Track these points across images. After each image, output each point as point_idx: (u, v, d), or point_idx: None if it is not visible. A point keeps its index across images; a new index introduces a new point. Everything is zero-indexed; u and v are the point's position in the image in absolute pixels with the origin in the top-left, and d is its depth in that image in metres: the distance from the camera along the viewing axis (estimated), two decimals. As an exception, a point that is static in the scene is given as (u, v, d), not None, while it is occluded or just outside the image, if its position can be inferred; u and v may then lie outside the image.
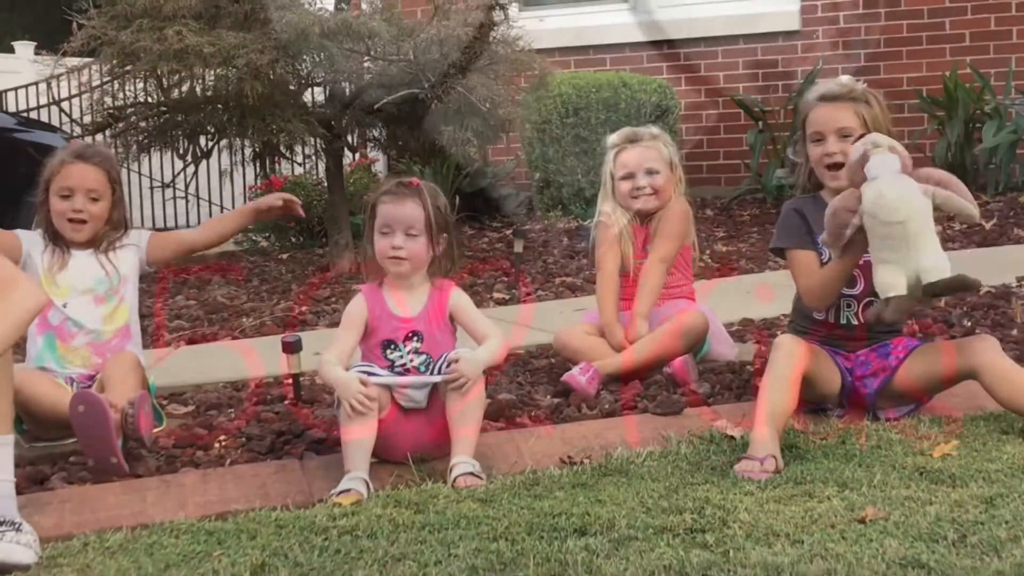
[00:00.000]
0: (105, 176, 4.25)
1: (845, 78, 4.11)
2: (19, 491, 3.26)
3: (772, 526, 2.90)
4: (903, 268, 3.53)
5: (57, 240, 4.26)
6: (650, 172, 4.69)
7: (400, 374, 3.69)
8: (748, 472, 3.33)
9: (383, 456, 3.64)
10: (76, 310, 4.20)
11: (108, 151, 4.43)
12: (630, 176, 4.71)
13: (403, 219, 3.70)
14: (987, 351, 3.75)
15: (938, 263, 3.53)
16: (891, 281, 3.55)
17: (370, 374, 3.59)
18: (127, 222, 4.40)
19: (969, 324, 4.88)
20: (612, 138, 4.85)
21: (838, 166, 3.88)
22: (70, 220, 4.22)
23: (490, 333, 3.72)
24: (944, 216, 3.80)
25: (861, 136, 3.72)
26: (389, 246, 3.70)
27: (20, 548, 3.00)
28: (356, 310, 3.77)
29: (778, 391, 3.61)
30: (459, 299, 3.77)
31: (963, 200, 3.60)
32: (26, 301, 3.14)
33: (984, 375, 3.71)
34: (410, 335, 3.72)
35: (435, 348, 3.70)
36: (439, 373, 3.60)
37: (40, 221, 4.30)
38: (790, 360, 3.69)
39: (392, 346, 3.73)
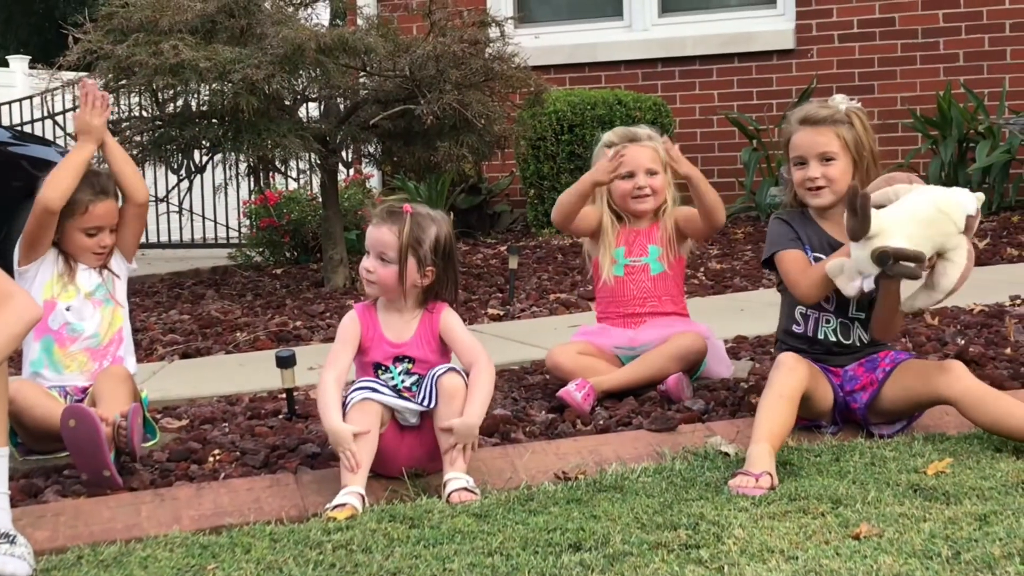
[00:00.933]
0: (116, 202, 4.28)
1: (838, 97, 4.12)
2: (13, 503, 3.25)
3: (767, 542, 2.90)
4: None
5: (65, 257, 4.27)
6: (650, 172, 4.67)
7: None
8: (743, 488, 3.34)
9: (379, 471, 3.64)
10: (77, 314, 4.21)
11: (106, 171, 4.41)
12: (630, 176, 4.67)
13: (377, 243, 3.71)
14: (955, 382, 3.73)
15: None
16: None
17: (373, 390, 3.59)
18: None
19: (963, 342, 4.89)
20: (608, 136, 4.79)
21: (819, 188, 3.93)
22: (96, 253, 4.25)
23: (475, 360, 3.67)
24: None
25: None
26: (363, 266, 3.73)
27: (14, 560, 3.00)
28: (351, 326, 3.76)
29: (778, 409, 3.62)
30: (447, 320, 3.75)
31: (958, 276, 3.64)
32: (22, 314, 3.15)
33: (960, 405, 3.73)
34: (399, 358, 3.73)
35: (427, 370, 3.69)
36: (430, 390, 3.59)
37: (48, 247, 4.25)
38: (791, 378, 3.70)
39: (383, 368, 3.74)
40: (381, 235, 3.70)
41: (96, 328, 4.24)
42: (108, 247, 4.27)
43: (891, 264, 3.53)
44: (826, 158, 3.92)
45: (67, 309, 4.19)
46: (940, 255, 3.63)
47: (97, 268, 4.28)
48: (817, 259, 3.93)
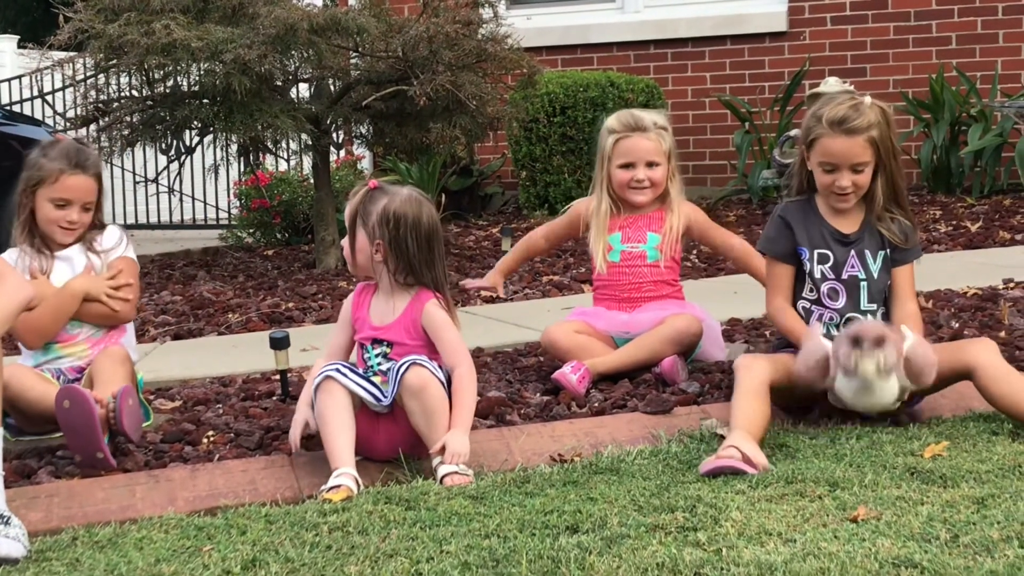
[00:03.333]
0: (96, 183, 4.22)
1: (832, 80, 4.10)
2: (6, 485, 3.24)
3: (764, 525, 2.90)
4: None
5: (37, 243, 4.20)
6: (651, 164, 4.62)
7: (372, 375, 3.69)
8: (724, 461, 3.33)
9: (366, 455, 3.64)
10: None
11: (95, 153, 4.38)
12: (629, 166, 4.62)
13: (345, 218, 3.79)
14: (985, 352, 3.75)
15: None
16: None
17: (339, 371, 3.58)
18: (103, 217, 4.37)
19: (957, 326, 4.89)
20: (611, 123, 4.67)
21: (848, 195, 3.90)
22: (62, 227, 4.18)
23: (456, 364, 3.64)
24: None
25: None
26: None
27: (8, 542, 2.98)
28: (345, 306, 3.86)
29: (747, 403, 3.63)
30: (430, 315, 3.70)
31: (932, 375, 3.68)
32: (14, 295, 3.14)
33: (979, 373, 3.71)
34: (377, 341, 3.72)
35: (405, 354, 3.67)
36: (397, 378, 3.54)
37: (21, 222, 4.20)
38: (749, 375, 3.71)
39: (365, 348, 3.76)
40: (346, 210, 3.77)
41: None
42: (77, 224, 4.17)
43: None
44: (857, 168, 3.87)
45: None
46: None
47: (85, 253, 4.21)
48: (822, 255, 3.93)
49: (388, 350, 3.71)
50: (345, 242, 3.78)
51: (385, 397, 3.59)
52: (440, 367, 3.62)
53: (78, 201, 4.16)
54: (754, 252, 4.53)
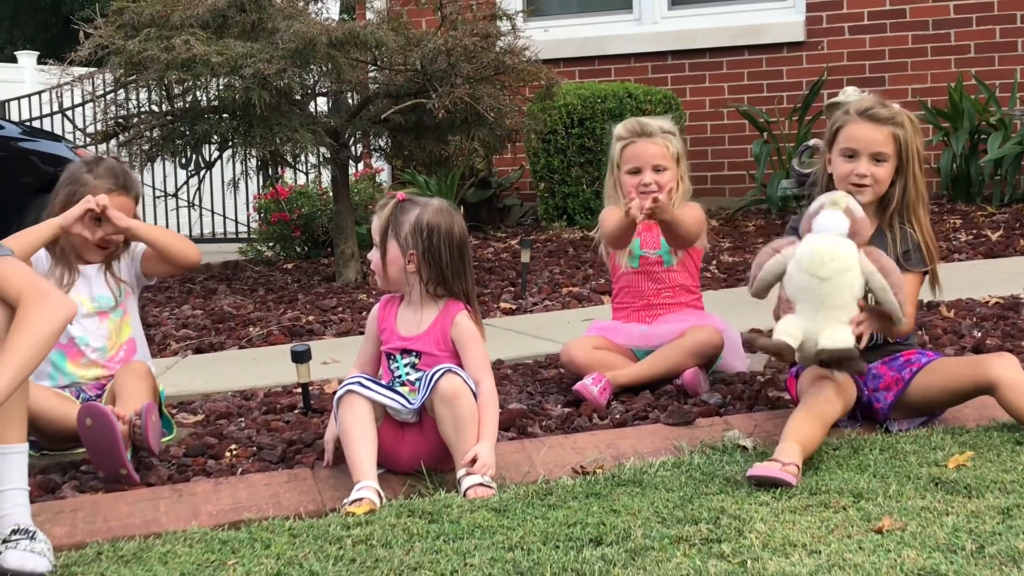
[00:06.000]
0: (135, 204, 4.23)
1: (850, 89, 4.10)
2: (31, 500, 3.24)
3: (789, 536, 2.89)
4: (804, 325, 3.61)
5: (64, 257, 4.20)
6: (657, 169, 4.61)
7: (399, 386, 3.70)
8: (766, 470, 3.31)
9: (389, 467, 3.65)
10: (83, 329, 4.17)
11: (137, 176, 4.37)
12: (636, 171, 4.61)
13: (372, 232, 3.78)
14: (1007, 367, 3.75)
15: (840, 335, 3.59)
16: (788, 330, 3.62)
17: (361, 384, 3.59)
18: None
19: (979, 335, 4.87)
20: (618, 130, 4.71)
21: (865, 186, 3.89)
22: (98, 246, 4.19)
23: (479, 380, 3.64)
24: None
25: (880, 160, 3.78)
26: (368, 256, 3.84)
27: (34, 556, 2.99)
28: (370, 320, 3.88)
29: (810, 426, 3.57)
30: (461, 327, 3.71)
31: (895, 299, 3.65)
32: (59, 311, 3.14)
33: (1001, 388, 3.70)
34: (406, 352, 3.73)
35: (432, 366, 3.66)
36: (428, 387, 3.55)
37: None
38: (830, 409, 3.66)
39: (392, 358, 3.76)
40: (373, 223, 3.77)
41: (103, 341, 4.21)
42: (113, 243, 4.20)
43: (835, 366, 3.62)
44: (878, 158, 3.88)
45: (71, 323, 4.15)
46: (865, 295, 3.67)
47: (104, 274, 4.22)
48: None
49: (416, 360, 3.72)
50: (374, 255, 3.76)
51: (412, 404, 3.59)
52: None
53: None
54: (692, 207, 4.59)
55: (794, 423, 3.57)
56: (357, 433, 3.53)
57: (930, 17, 9.59)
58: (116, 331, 4.25)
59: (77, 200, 4.10)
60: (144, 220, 4.42)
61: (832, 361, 3.61)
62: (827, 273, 3.61)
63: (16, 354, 3.05)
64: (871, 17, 9.73)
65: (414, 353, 3.72)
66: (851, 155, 3.90)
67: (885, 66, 9.69)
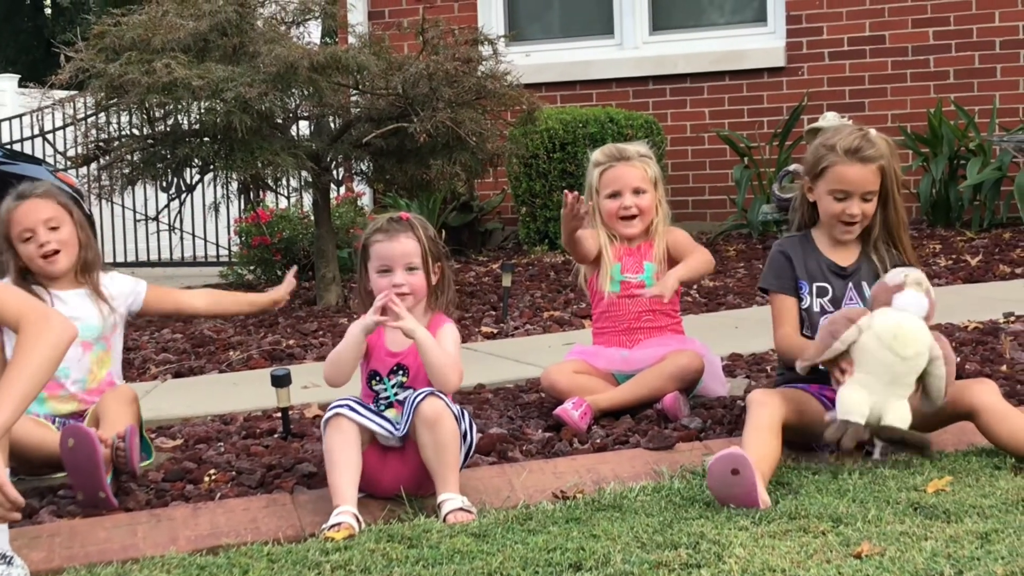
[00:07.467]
0: (54, 203, 4.19)
1: (831, 115, 4.12)
2: (9, 525, 3.23)
3: (768, 561, 2.89)
4: (871, 401, 3.63)
5: (36, 286, 4.15)
6: (637, 192, 4.65)
7: (385, 407, 3.69)
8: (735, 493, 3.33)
9: (370, 492, 3.64)
10: (64, 359, 4.13)
11: (49, 184, 4.36)
12: (616, 195, 4.66)
13: (400, 255, 3.71)
14: (987, 393, 3.78)
15: (904, 413, 3.65)
16: (855, 407, 3.63)
17: (350, 408, 3.58)
18: (100, 252, 4.35)
19: (958, 360, 4.88)
20: (596, 155, 4.77)
21: (855, 224, 3.94)
22: (43, 257, 4.15)
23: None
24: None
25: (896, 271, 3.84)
26: (390, 284, 3.69)
27: (11, 582, 2.98)
28: None
29: (760, 441, 3.61)
30: (445, 334, 3.73)
31: (944, 387, 3.70)
32: (62, 335, 3.13)
33: (982, 415, 3.73)
34: (395, 369, 3.72)
35: (422, 383, 3.67)
36: (412, 407, 3.54)
37: (13, 276, 4.16)
38: (765, 411, 3.70)
39: (377, 377, 3.74)
40: (403, 246, 3.72)
41: (83, 374, 4.17)
42: (55, 247, 4.13)
43: (892, 442, 3.70)
44: (866, 198, 3.93)
45: None
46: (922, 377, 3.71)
47: (92, 299, 4.20)
48: (821, 288, 3.97)
49: (404, 379, 3.71)
50: (415, 278, 3.72)
51: (398, 429, 3.58)
52: (453, 403, 3.62)
53: (38, 223, 4.13)
54: (699, 249, 4.66)
55: (744, 444, 3.59)
56: (341, 458, 3.51)
57: (909, 43, 9.65)
58: (97, 365, 4.21)
59: (5, 234, 4.15)
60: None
61: (893, 439, 3.66)
62: (909, 354, 3.65)
63: (19, 383, 3.03)
64: (851, 43, 9.79)
65: (403, 371, 3.71)
66: (843, 196, 3.93)
67: (865, 91, 9.75)
